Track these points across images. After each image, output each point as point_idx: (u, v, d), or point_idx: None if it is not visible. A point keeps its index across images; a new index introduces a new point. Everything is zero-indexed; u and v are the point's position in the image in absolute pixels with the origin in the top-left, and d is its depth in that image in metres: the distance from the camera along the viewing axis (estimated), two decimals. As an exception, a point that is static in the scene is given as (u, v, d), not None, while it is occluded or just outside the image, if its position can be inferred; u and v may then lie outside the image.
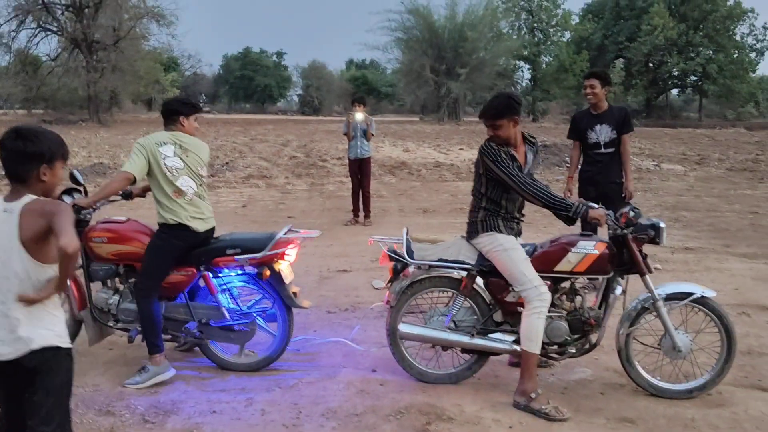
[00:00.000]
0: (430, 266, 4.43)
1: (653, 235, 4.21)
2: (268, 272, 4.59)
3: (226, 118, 64.11)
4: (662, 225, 4.22)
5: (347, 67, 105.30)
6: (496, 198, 4.29)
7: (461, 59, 54.69)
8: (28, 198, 2.65)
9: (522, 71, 65.05)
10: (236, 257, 4.61)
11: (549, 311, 4.24)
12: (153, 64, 54.24)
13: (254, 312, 4.78)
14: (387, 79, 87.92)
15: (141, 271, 4.60)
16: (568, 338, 4.31)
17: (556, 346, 4.34)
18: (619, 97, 63.42)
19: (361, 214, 10.59)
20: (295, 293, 4.72)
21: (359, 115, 10.20)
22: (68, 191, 4.84)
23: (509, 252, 4.21)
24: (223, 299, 4.75)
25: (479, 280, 4.42)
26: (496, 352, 4.45)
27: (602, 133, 6.42)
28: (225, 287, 4.78)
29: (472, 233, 4.40)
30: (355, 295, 6.61)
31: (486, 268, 4.32)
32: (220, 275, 4.74)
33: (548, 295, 4.15)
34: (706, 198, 13.51)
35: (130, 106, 63.79)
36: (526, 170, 4.29)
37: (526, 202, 4.34)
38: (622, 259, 4.26)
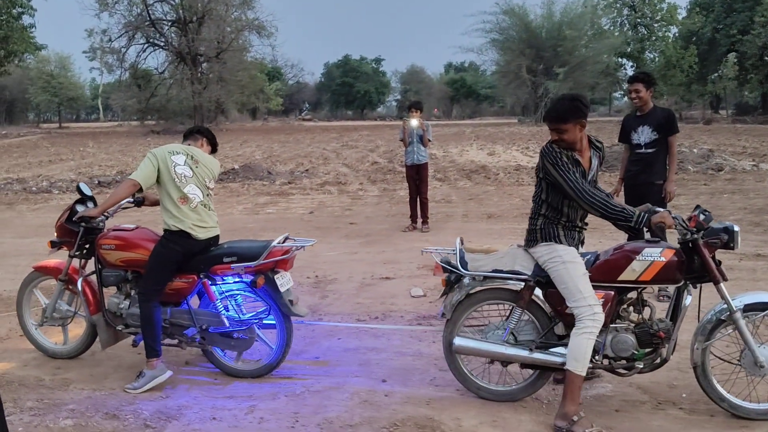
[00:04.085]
0: (485, 277, 4.24)
1: (726, 239, 3.88)
2: (262, 280, 4.65)
3: (326, 125, 65.49)
4: (736, 229, 3.89)
5: (446, 70, 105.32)
6: (557, 204, 4.06)
7: (560, 58, 53.66)
8: None
9: (625, 68, 62.83)
10: (232, 265, 4.69)
11: (615, 323, 4.04)
12: (256, 73, 56.10)
13: (252, 320, 4.84)
14: (486, 81, 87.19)
15: (144, 276, 4.79)
16: (636, 352, 4.01)
17: (623, 361, 4.05)
18: (734, 93, 60.20)
19: (420, 220, 10.52)
20: (291, 301, 4.73)
21: (414, 121, 10.14)
22: (81, 201, 5.11)
23: (567, 265, 3.95)
24: (223, 307, 4.83)
25: (538, 292, 4.19)
26: (557, 367, 4.13)
27: (643, 133, 6.47)
28: (226, 295, 4.87)
29: (530, 241, 4.18)
30: (391, 303, 6.57)
31: (544, 278, 4.09)
32: (218, 283, 4.84)
33: (602, 316, 3.88)
34: (800, 201, 12.54)
35: (236, 115, 66.27)
36: (590, 177, 4.08)
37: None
38: (693, 266, 3.94)
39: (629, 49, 59.31)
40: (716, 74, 57.26)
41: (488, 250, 4.49)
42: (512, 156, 23.18)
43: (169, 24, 50.34)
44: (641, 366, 4.04)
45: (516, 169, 19.17)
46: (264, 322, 4.85)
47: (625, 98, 72.17)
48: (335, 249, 9.23)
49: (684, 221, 3.91)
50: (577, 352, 3.88)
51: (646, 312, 4.12)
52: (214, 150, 5.14)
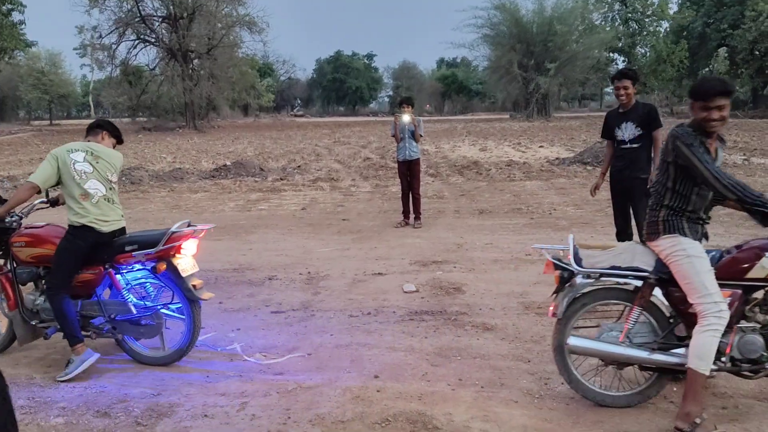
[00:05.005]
0: (601, 274, 4.06)
1: None
2: (162, 266, 4.80)
3: (317, 121, 65.43)
4: None
5: (438, 66, 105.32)
6: (686, 192, 3.84)
7: (551, 54, 53.73)
8: None
9: (616, 63, 62.96)
10: (133, 253, 4.83)
11: (741, 324, 3.87)
12: (247, 70, 56.00)
13: (158, 305, 4.98)
14: (478, 76, 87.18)
15: (50, 271, 4.93)
16: (765, 354, 3.82)
17: (749, 364, 3.86)
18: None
19: (412, 216, 10.53)
20: (195, 285, 4.86)
21: (406, 117, 10.13)
22: None
23: (692, 259, 3.76)
24: (130, 295, 4.97)
25: (657, 291, 4.02)
26: (678, 369, 3.95)
27: (627, 130, 6.55)
28: (133, 284, 5.02)
29: (652, 234, 3.97)
30: (383, 299, 6.57)
31: (666, 275, 3.90)
32: (123, 272, 4.96)
33: (727, 314, 3.71)
34: (791, 194, 12.59)
35: (227, 112, 66.10)
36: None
37: (714, 205, 3.97)
38: None
39: (620, 44, 59.52)
40: (707, 69, 57.50)
41: (605, 246, 4.33)
42: (504, 152, 23.22)
43: (160, 20, 50.11)
44: None
45: (507, 164, 19.18)
46: (171, 307, 4.99)
47: (617, 93, 72.37)
48: (327, 245, 9.23)
49: None
50: (701, 350, 3.71)
51: None
52: (119, 142, 5.29)
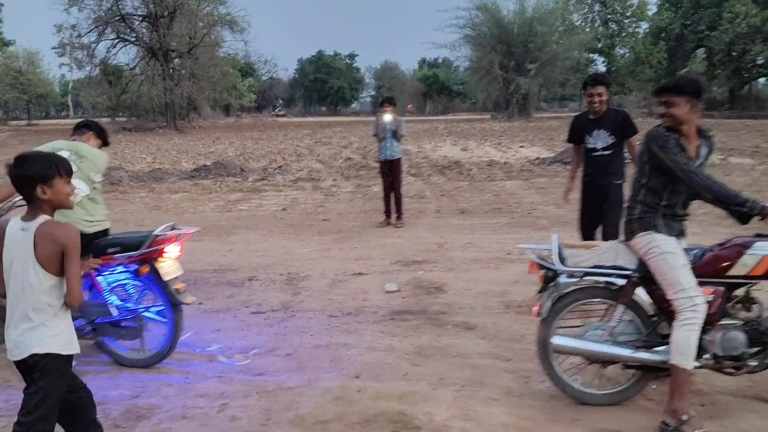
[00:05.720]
0: (585, 273, 4.09)
1: None
2: (146, 269, 4.76)
3: (299, 121, 65.26)
4: None
5: (419, 66, 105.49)
6: (658, 188, 3.89)
7: (531, 54, 54.01)
8: (42, 219, 3.02)
9: (596, 64, 63.46)
10: (115, 255, 4.79)
11: (723, 321, 3.89)
12: (228, 69, 55.76)
13: (140, 308, 4.93)
14: (459, 77, 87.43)
15: None
16: (747, 351, 3.86)
17: (732, 360, 3.89)
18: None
19: (393, 215, 10.54)
20: (178, 289, 4.83)
21: (388, 116, 10.13)
22: None
23: (666, 255, 3.81)
24: (112, 296, 4.93)
25: (640, 290, 4.06)
26: (662, 367, 3.96)
27: (600, 138, 6.23)
28: (114, 286, 4.98)
29: (629, 234, 4.03)
30: (363, 299, 6.57)
31: (649, 273, 3.93)
32: (104, 274, 4.92)
33: (703, 307, 3.74)
34: (767, 193, 12.75)
35: (209, 112, 65.74)
36: (696, 164, 3.86)
37: (691, 200, 3.99)
38: None
39: (600, 45, 59.96)
40: (685, 70, 58.06)
41: (589, 245, 4.34)
42: (485, 152, 23.31)
43: (140, 19, 49.74)
44: (754, 364, 3.89)
45: (488, 164, 19.28)
46: (153, 310, 4.94)
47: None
48: (308, 246, 9.21)
49: None
50: (680, 345, 3.73)
51: (756, 309, 3.97)
52: (105, 144, 5.24)
